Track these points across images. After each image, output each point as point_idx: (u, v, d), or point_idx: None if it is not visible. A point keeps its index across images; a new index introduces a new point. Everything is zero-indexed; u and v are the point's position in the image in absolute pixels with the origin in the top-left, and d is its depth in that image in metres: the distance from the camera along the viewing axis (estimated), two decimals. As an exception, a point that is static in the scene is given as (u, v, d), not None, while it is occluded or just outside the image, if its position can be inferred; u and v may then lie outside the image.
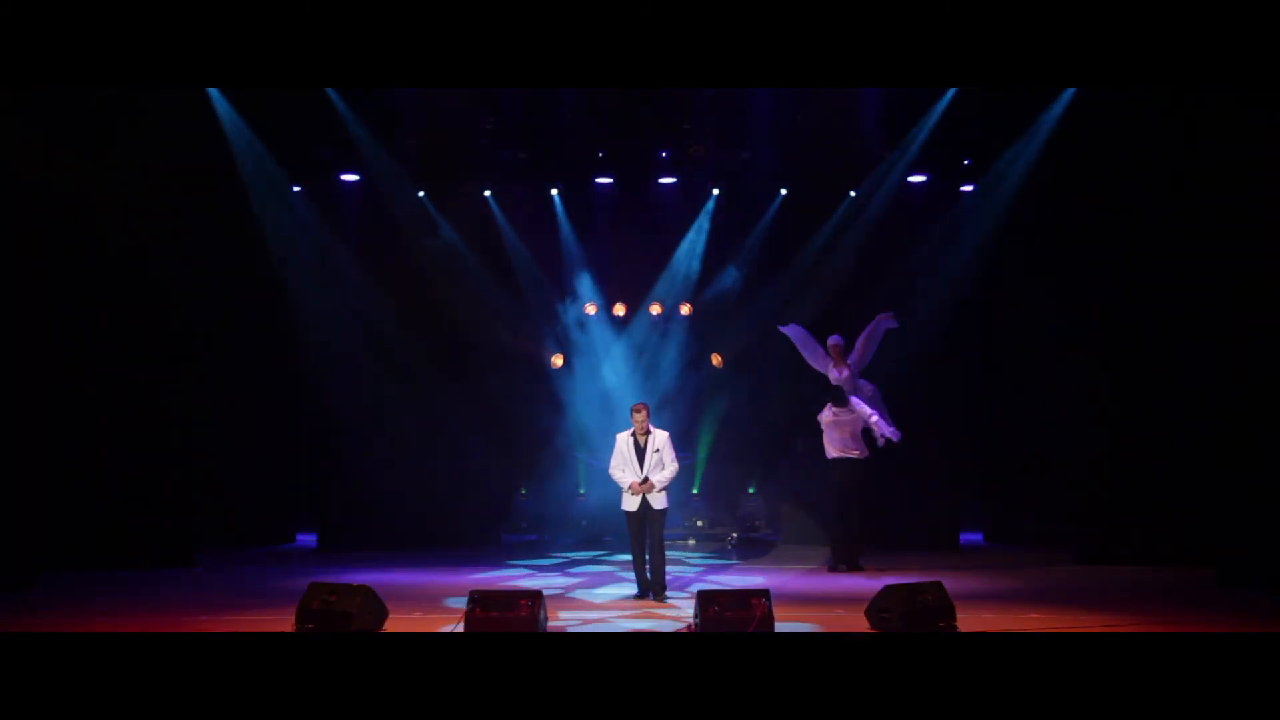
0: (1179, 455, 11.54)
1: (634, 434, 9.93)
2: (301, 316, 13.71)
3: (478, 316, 14.32)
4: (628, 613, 9.28)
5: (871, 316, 12.41)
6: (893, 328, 12.27)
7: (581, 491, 14.98)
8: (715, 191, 14.47)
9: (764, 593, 7.84)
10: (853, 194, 14.11)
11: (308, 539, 14.24)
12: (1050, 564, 12.13)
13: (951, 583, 8.38)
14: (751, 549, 13.87)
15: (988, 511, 14.57)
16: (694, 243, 14.65)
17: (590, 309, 14.79)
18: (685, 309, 14.76)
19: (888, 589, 8.07)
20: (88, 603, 9.60)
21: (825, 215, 14.26)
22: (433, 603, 9.56)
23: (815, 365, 12.29)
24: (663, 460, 9.85)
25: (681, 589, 10.28)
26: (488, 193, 14.38)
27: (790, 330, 12.41)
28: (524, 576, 11.54)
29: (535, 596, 7.85)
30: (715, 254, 14.67)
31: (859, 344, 12.15)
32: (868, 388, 12.13)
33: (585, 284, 14.74)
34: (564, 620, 8.75)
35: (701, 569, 12.13)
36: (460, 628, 7.76)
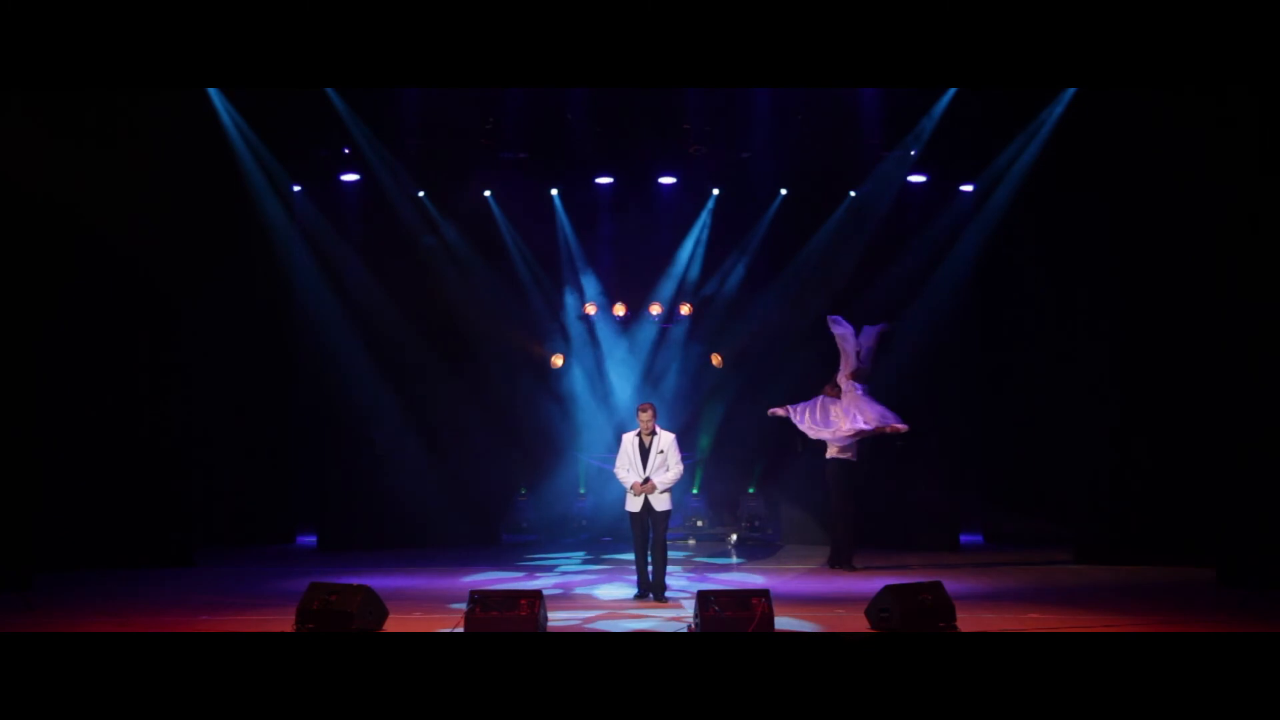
0: (1179, 455, 11.54)
1: (639, 434, 9.92)
2: (301, 316, 13.72)
3: (478, 316, 14.32)
4: (628, 613, 9.28)
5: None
6: (884, 329, 12.23)
7: (581, 491, 14.98)
8: (715, 191, 14.46)
9: (764, 593, 7.84)
10: (853, 194, 14.12)
11: (308, 539, 14.24)
12: (1050, 564, 12.14)
13: (951, 583, 8.39)
14: (751, 549, 13.88)
15: (988, 511, 14.57)
16: (694, 243, 14.65)
17: (590, 309, 14.79)
18: (685, 309, 14.76)
19: (888, 589, 8.07)
20: (87, 603, 9.60)
21: (825, 215, 14.26)
22: (433, 603, 9.56)
23: (844, 366, 12.18)
24: (667, 462, 9.80)
25: (681, 589, 10.28)
26: (488, 193, 14.38)
27: (842, 327, 12.25)
28: (524, 577, 11.54)
29: (535, 596, 7.85)
30: (715, 254, 14.67)
31: (855, 352, 12.08)
32: (858, 389, 12.10)
33: (585, 284, 14.74)
34: (564, 620, 8.75)
35: (701, 569, 12.13)
36: (460, 628, 7.76)
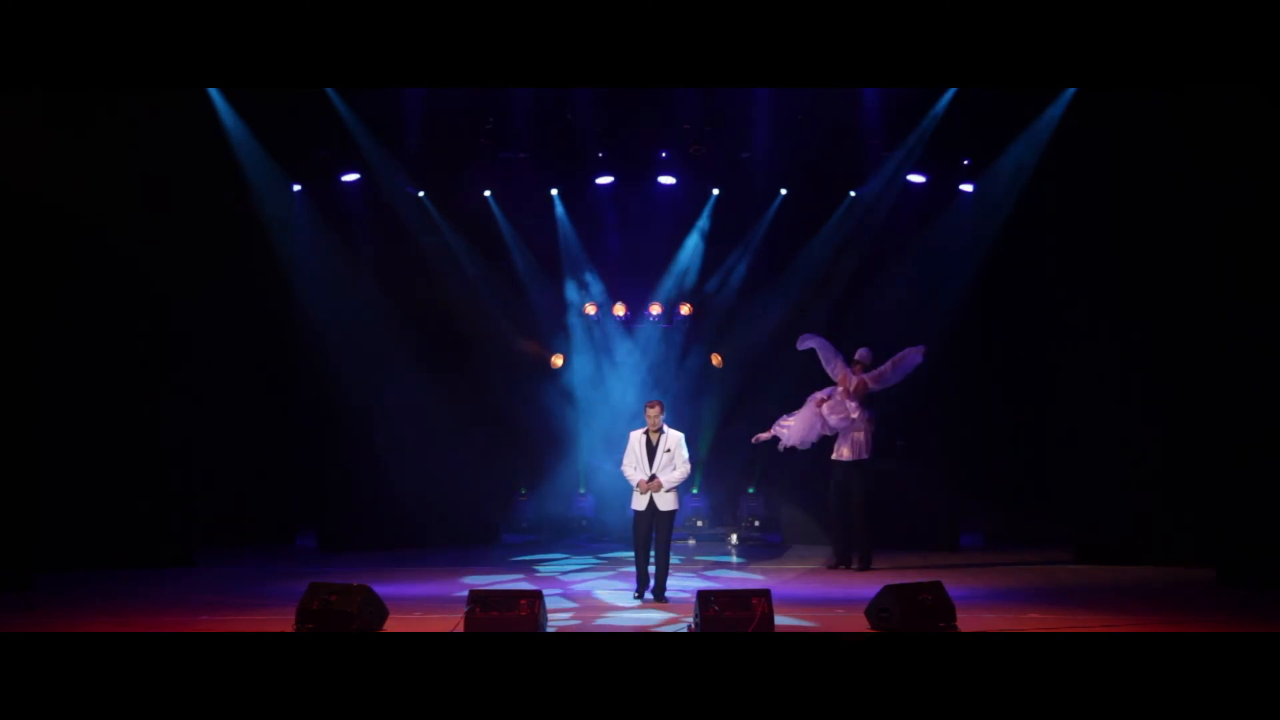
0: (1179, 455, 11.54)
1: (647, 431, 9.89)
2: (301, 316, 13.70)
3: (477, 316, 14.32)
4: (628, 613, 9.28)
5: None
6: (920, 363, 12.15)
7: (582, 491, 14.97)
8: (715, 191, 14.46)
9: (764, 593, 7.84)
10: (853, 194, 14.11)
11: (308, 539, 14.24)
12: (1050, 564, 12.13)
13: (951, 583, 8.39)
14: (751, 549, 13.87)
15: (988, 511, 14.57)
16: (694, 243, 14.65)
17: (590, 309, 14.79)
18: (685, 309, 14.76)
19: (888, 589, 8.07)
20: (87, 603, 9.60)
21: (825, 215, 14.26)
22: (432, 603, 9.56)
23: (833, 374, 12.17)
24: (674, 461, 9.76)
25: (681, 589, 10.28)
26: (488, 193, 14.38)
27: (813, 340, 12.27)
28: (523, 576, 11.53)
29: (535, 596, 7.86)
30: (715, 254, 14.66)
31: (887, 366, 12.03)
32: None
33: (586, 284, 14.74)
34: (564, 620, 8.75)
35: (701, 569, 12.13)
36: (460, 628, 7.76)
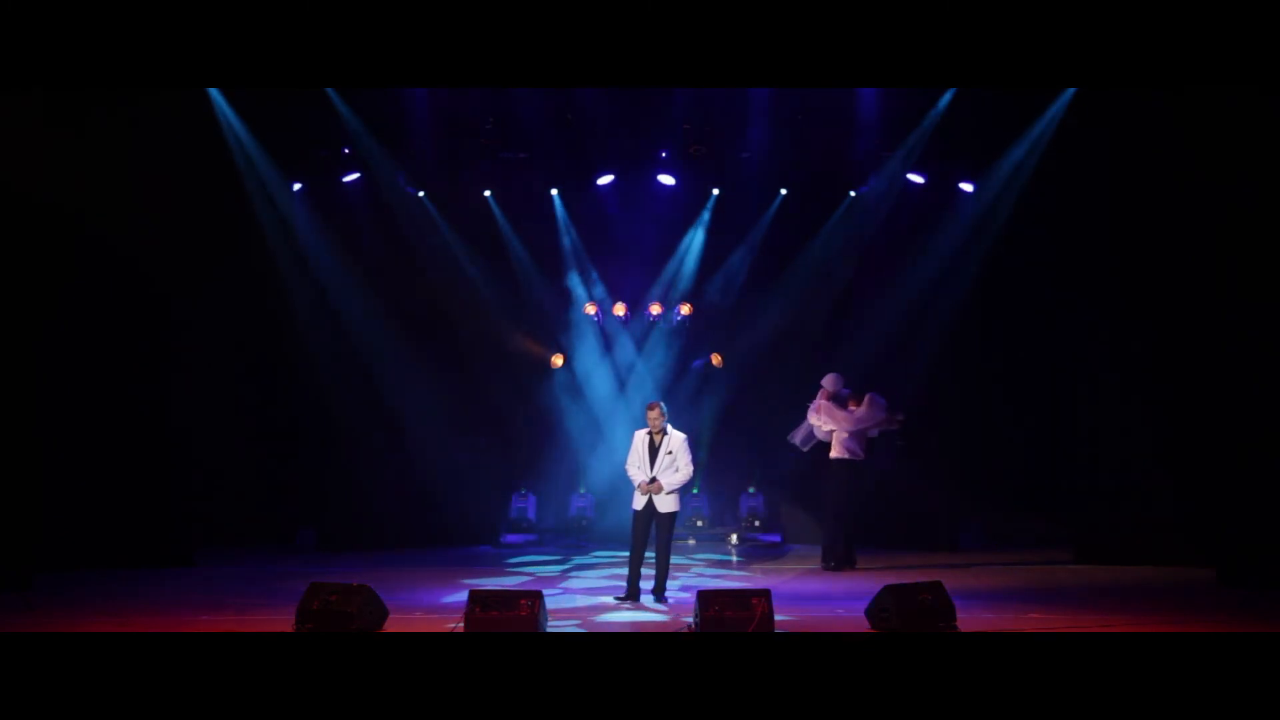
0: (1179, 455, 11.54)
1: (650, 432, 9.88)
2: (301, 316, 13.71)
3: (477, 316, 14.32)
4: (628, 613, 9.28)
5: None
6: (888, 425, 12.11)
7: (582, 491, 14.97)
8: (715, 191, 14.46)
9: (764, 593, 7.84)
10: (852, 194, 14.11)
11: (307, 539, 14.23)
12: (1050, 564, 12.13)
13: (951, 583, 8.38)
14: (751, 549, 13.87)
15: (988, 511, 14.57)
16: (694, 243, 14.65)
17: (590, 309, 14.79)
18: (685, 309, 14.76)
19: (888, 589, 8.07)
20: (87, 603, 9.59)
21: (825, 215, 14.26)
22: (433, 603, 9.56)
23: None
24: (676, 462, 9.72)
25: (681, 589, 10.28)
26: (488, 192, 14.38)
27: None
28: (524, 577, 11.53)
29: (535, 596, 7.85)
30: (715, 254, 14.66)
31: (863, 411, 12.04)
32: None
33: (585, 284, 14.74)
34: (564, 620, 8.75)
35: (701, 569, 12.13)
36: (460, 628, 7.76)
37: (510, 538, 14.67)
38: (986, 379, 14.15)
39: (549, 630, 8.03)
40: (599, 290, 14.76)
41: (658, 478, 9.69)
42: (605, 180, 14.21)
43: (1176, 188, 11.29)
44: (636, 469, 9.81)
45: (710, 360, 14.66)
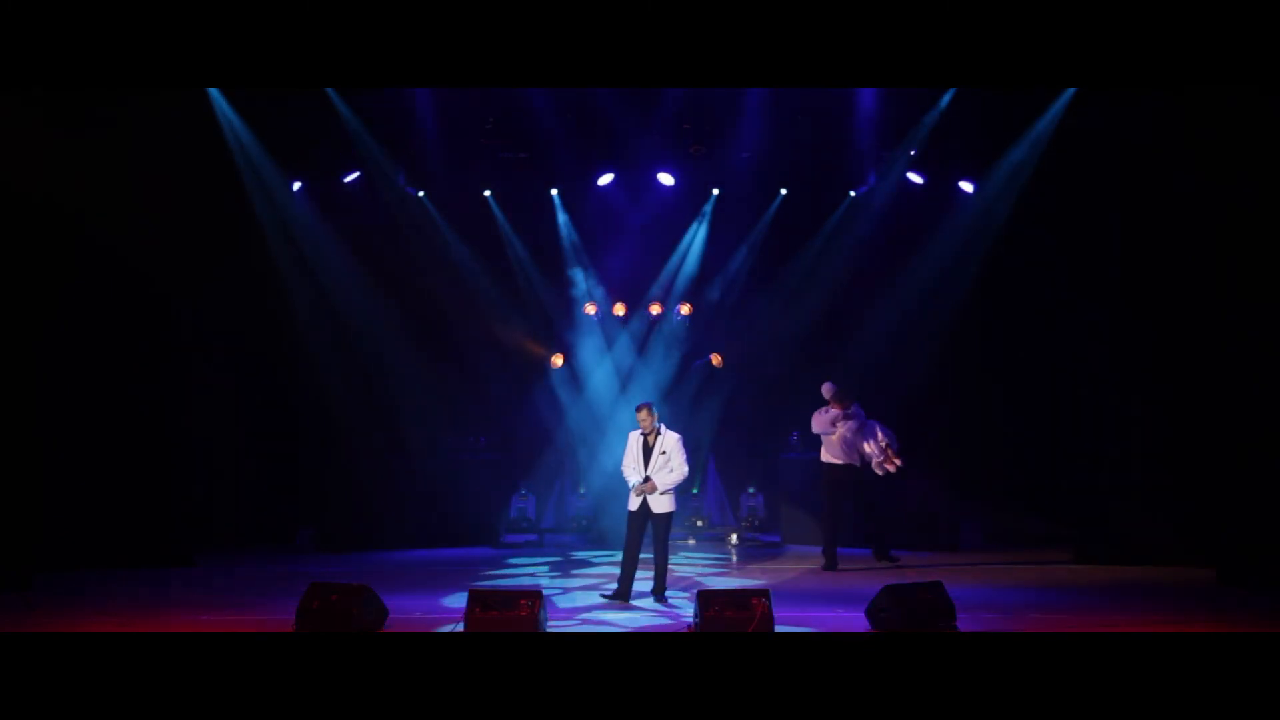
0: (1179, 455, 11.54)
1: (644, 433, 9.88)
2: (301, 316, 13.71)
3: (477, 316, 14.32)
4: (628, 613, 9.28)
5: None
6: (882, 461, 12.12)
7: (581, 491, 14.97)
8: (715, 191, 14.46)
9: (764, 593, 7.84)
10: (852, 194, 14.11)
11: (307, 538, 14.23)
12: (1050, 564, 12.13)
13: (951, 583, 8.39)
14: (751, 549, 13.87)
15: (988, 511, 14.56)
16: (694, 243, 14.65)
17: (590, 309, 14.79)
18: (685, 309, 14.76)
19: (888, 589, 8.07)
20: (87, 603, 9.59)
21: (825, 215, 14.25)
22: (432, 603, 9.56)
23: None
24: (670, 463, 9.70)
25: (682, 589, 10.28)
26: (488, 192, 14.38)
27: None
28: (524, 576, 11.53)
29: (535, 596, 7.86)
30: (715, 254, 14.66)
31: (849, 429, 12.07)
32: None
33: (585, 284, 14.74)
34: (564, 620, 8.75)
35: (701, 569, 12.13)
36: (460, 628, 7.76)
37: (510, 538, 14.67)
38: (986, 379, 14.16)
39: (549, 630, 8.02)
40: (599, 290, 14.76)
41: (652, 477, 9.68)
42: (605, 180, 14.21)
43: (1177, 187, 11.28)
44: (631, 470, 9.80)
45: (710, 360, 14.66)
